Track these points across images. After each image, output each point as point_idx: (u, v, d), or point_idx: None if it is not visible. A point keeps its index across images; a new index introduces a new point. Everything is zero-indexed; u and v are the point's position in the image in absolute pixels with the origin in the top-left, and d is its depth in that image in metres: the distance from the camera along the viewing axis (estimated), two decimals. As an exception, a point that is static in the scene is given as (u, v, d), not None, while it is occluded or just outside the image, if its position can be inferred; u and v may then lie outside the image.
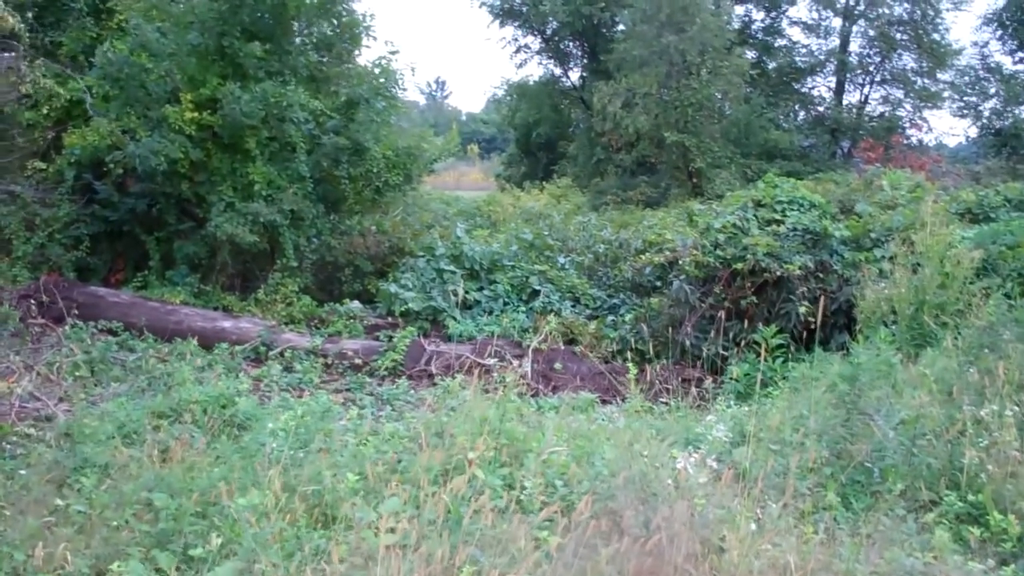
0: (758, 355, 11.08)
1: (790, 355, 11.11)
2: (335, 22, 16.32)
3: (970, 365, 8.47)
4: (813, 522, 5.70)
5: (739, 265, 11.91)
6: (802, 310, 11.58)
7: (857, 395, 7.68)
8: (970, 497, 6.11)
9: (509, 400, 7.74)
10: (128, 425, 8.14)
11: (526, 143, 43.05)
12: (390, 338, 13.34)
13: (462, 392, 8.74)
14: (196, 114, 14.53)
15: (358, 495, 5.73)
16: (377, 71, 16.25)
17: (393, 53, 16.41)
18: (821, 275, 12.09)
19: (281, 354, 12.94)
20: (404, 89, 16.48)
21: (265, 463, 6.58)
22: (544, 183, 34.62)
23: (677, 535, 4.89)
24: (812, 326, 11.65)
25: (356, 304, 14.65)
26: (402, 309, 13.95)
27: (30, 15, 15.29)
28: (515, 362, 12.31)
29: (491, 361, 10.94)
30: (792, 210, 12.77)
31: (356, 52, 16.84)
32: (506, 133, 56.80)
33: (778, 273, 11.75)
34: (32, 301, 13.28)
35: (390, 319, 14.13)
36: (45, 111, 15.36)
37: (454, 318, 13.89)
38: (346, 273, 16.09)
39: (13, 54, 8.96)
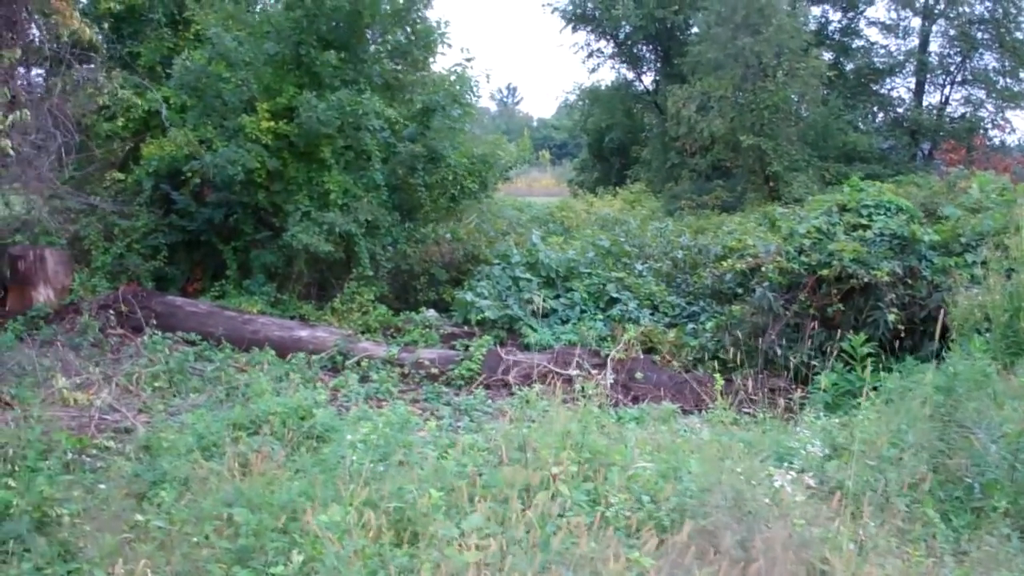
0: (846, 364, 10.80)
1: (880, 364, 10.79)
2: (409, 30, 16.27)
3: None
4: (914, 541, 5.46)
5: (825, 271, 11.58)
6: (891, 318, 11.23)
7: (954, 407, 7.39)
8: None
9: (589, 412, 7.55)
10: (207, 437, 8.10)
11: (599, 148, 42.78)
12: (466, 347, 13.21)
13: (541, 403, 8.59)
14: (272, 123, 14.59)
15: (440, 511, 5.58)
16: (453, 78, 16.18)
17: (468, 60, 16.39)
18: (910, 281, 11.73)
19: (358, 363, 12.88)
20: (479, 96, 16.39)
21: (346, 477, 6.48)
22: (617, 188, 34.42)
23: (777, 558, 4.67)
24: (901, 334, 11.32)
25: (432, 313, 14.56)
26: (478, 318, 13.82)
27: (107, 26, 15.49)
28: (594, 371, 12.11)
29: (573, 371, 10.76)
30: (879, 214, 12.42)
31: (431, 59, 16.80)
32: (577, 138, 56.51)
33: (865, 280, 11.40)
34: (111, 311, 13.38)
35: (466, 328, 14.00)
36: (122, 122, 15.54)
37: (531, 327, 13.73)
38: (421, 281, 16.00)
39: (92, 66, 8.98)
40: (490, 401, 11.71)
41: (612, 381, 11.86)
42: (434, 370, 12.79)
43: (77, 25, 8.39)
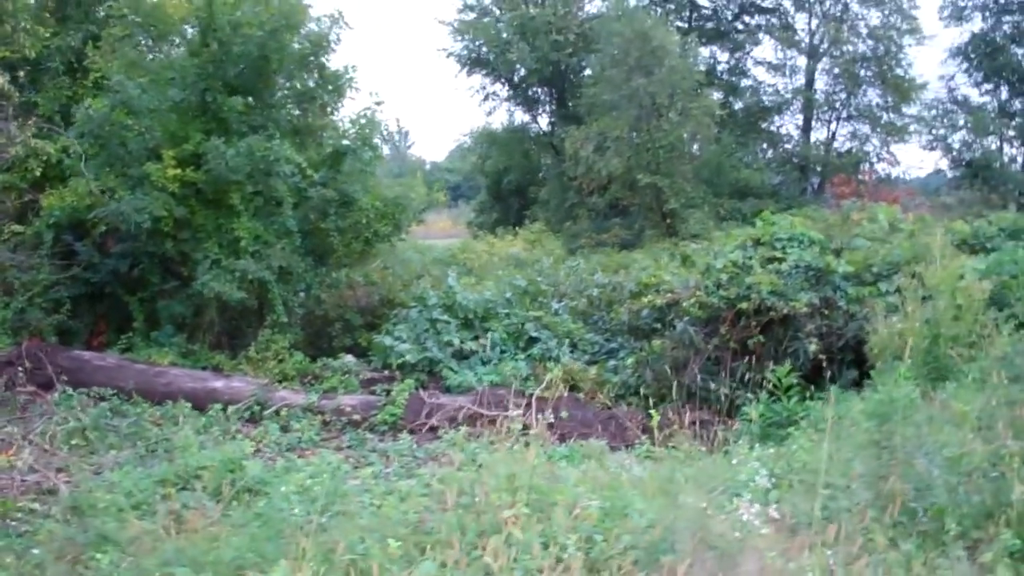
0: (770, 395, 10.91)
1: (805, 394, 10.92)
2: (317, 74, 16.14)
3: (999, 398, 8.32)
4: (871, 567, 5.48)
5: (744, 304, 11.72)
6: (812, 348, 11.39)
7: (890, 433, 7.49)
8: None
9: (538, 451, 7.47)
10: (136, 495, 7.81)
11: (497, 189, 42.98)
12: (387, 392, 13.02)
13: (469, 446, 8.51)
14: (179, 170, 14.25)
15: (395, 561, 5.44)
16: (362, 121, 16.05)
17: (378, 104, 16.27)
18: (827, 312, 11.93)
19: (277, 413, 12.59)
20: (388, 140, 16.28)
21: (288, 531, 6.29)
22: (517, 228, 34.54)
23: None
24: (822, 364, 11.49)
25: (350, 358, 14.34)
26: (398, 362, 13.65)
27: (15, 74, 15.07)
28: (519, 411, 12.02)
29: (515, 412, 10.65)
30: (792, 247, 12.64)
31: (340, 104, 16.65)
32: (472, 181, 56.82)
33: (784, 311, 11.57)
34: (17, 368, 12.87)
35: (386, 372, 13.82)
36: (19, 173, 15.06)
37: (452, 369, 13.61)
38: (336, 327, 15.77)
39: (2, 115, 8.67)
40: (416, 446, 11.55)
41: (551, 420, 11.78)
42: (356, 416, 12.58)
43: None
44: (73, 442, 10.49)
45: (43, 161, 14.12)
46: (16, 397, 12.16)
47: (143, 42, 16.25)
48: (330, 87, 16.21)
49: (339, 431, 12.40)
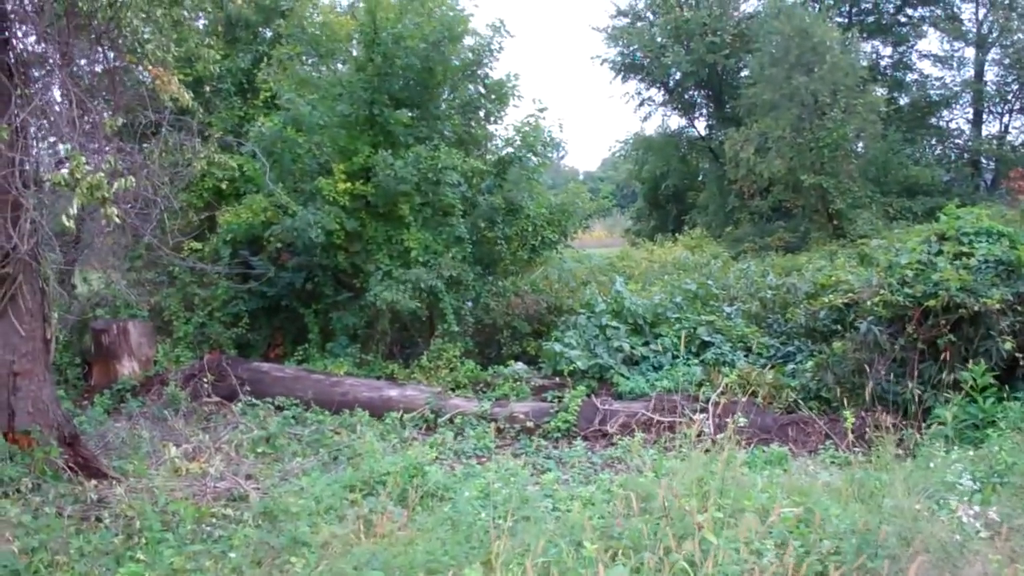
0: (965, 396, 10.42)
1: (1000, 395, 10.42)
2: (480, 85, 16.24)
3: None
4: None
5: (931, 302, 11.18)
6: (1007, 346, 10.82)
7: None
8: None
9: (733, 457, 7.29)
10: (324, 500, 7.92)
11: (654, 196, 42.75)
12: (559, 399, 12.96)
13: (649, 451, 8.35)
14: (349, 184, 14.54)
15: (586, 566, 5.35)
16: (527, 128, 16.06)
17: (541, 110, 16.23)
18: (1020, 308, 11.32)
19: (451, 420, 12.70)
20: (552, 146, 16.24)
21: (477, 535, 6.28)
22: (676, 235, 34.21)
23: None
24: (1020, 363, 10.92)
25: (520, 365, 14.30)
26: (568, 368, 13.55)
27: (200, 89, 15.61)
28: (695, 417, 11.81)
29: (699, 416, 10.44)
30: (980, 241, 12.04)
31: (503, 112, 16.69)
32: (625, 189, 56.55)
33: (975, 308, 11.01)
34: (203, 380, 13.29)
35: (556, 379, 13.74)
36: (197, 192, 15.61)
37: (623, 375, 13.46)
38: (504, 335, 15.80)
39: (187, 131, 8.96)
40: (591, 452, 11.46)
41: (713, 425, 11.52)
42: (529, 423, 12.56)
43: (176, 90, 8.35)
44: (259, 450, 10.73)
45: (222, 177, 14.60)
46: (202, 408, 12.54)
47: (310, 60, 16.62)
48: (493, 96, 16.28)
49: (513, 438, 12.40)
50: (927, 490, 6.82)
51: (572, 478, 10.18)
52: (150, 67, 8.21)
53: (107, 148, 7.86)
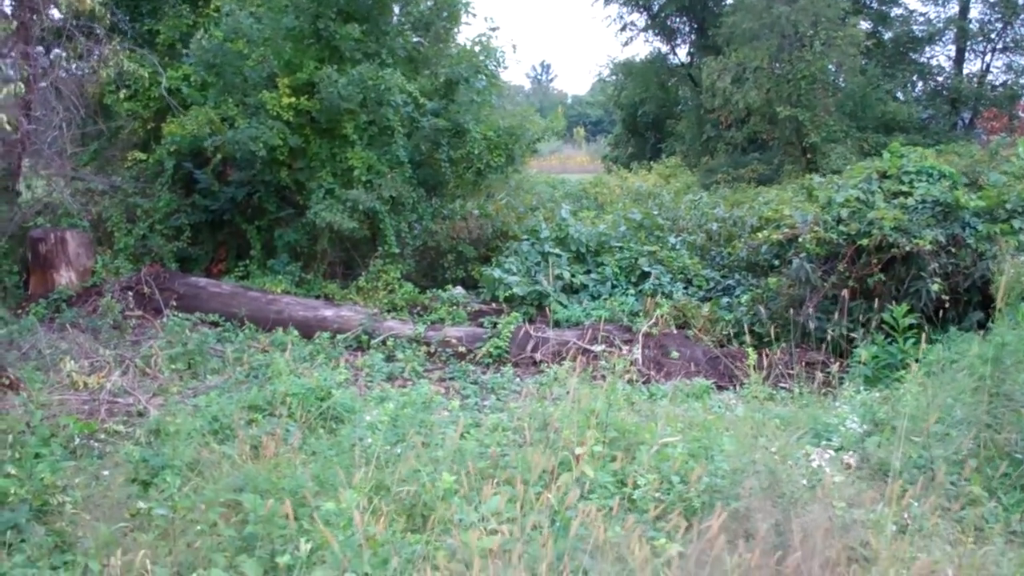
0: (887, 336, 10.37)
1: (923, 336, 10.36)
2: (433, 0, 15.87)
3: None
4: (961, 522, 5.09)
5: (864, 241, 11.09)
6: (935, 287, 10.74)
7: (1001, 379, 6.98)
8: None
9: (615, 389, 7.20)
10: (221, 420, 7.83)
11: (633, 123, 42.31)
12: (494, 325, 12.88)
13: (568, 380, 8.27)
14: (293, 99, 14.26)
15: (456, 495, 5.28)
16: (477, 49, 15.75)
17: (493, 30, 15.92)
18: (953, 250, 11.22)
19: (383, 342, 12.59)
20: (505, 67, 15.95)
21: (358, 460, 6.19)
22: (652, 163, 33.98)
23: (815, 544, 4.30)
24: (945, 305, 10.87)
25: (459, 290, 14.21)
26: (506, 295, 13.46)
27: (125, 5, 15.24)
28: (624, 348, 11.75)
29: (598, 347, 10.41)
30: (920, 181, 11.89)
31: (455, 30, 16.35)
32: (612, 115, 56.10)
33: (907, 249, 10.90)
34: (131, 292, 13.15)
35: (494, 305, 13.66)
36: (142, 101, 15.33)
37: (560, 303, 13.36)
38: (448, 259, 15.64)
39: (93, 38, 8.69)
40: (518, 379, 11.39)
41: (642, 356, 11.47)
42: (461, 348, 12.47)
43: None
44: (175, 366, 10.60)
45: (154, 89, 14.33)
46: (127, 321, 12.41)
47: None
48: (445, 13, 15.91)
49: (444, 363, 12.31)
50: (812, 430, 6.78)
51: (490, 405, 10.11)
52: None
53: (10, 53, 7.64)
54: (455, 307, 13.61)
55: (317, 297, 14.16)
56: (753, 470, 5.40)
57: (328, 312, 13.33)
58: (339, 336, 12.66)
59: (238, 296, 13.59)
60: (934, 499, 4.89)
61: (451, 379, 11.59)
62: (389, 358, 12.11)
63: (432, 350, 12.48)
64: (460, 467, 5.72)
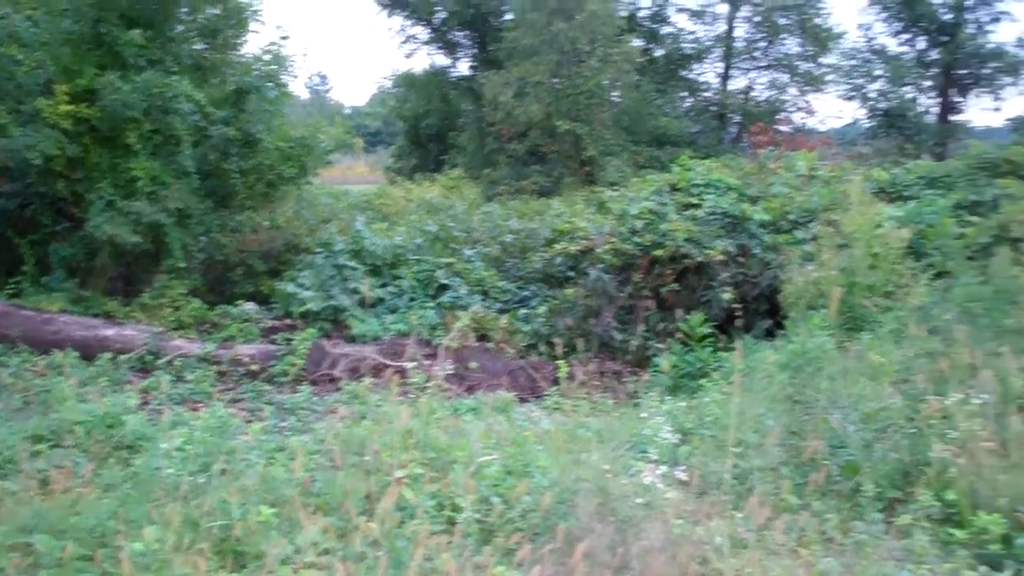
0: (682, 345, 10.66)
1: (718, 344, 10.71)
2: (221, 7, 15.34)
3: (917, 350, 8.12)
4: (790, 532, 5.20)
5: (659, 252, 11.43)
6: (726, 296, 11.15)
7: (802, 386, 7.23)
8: (944, 496, 5.66)
9: (431, 406, 7.06)
10: (3, 452, 7.24)
11: (415, 135, 42.33)
12: (288, 341, 12.54)
13: (373, 398, 8.09)
14: (72, 107, 13.49)
15: (271, 527, 5.02)
16: (267, 57, 15.33)
17: (284, 38, 15.54)
18: (742, 259, 11.69)
19: (170, 363, 12.04)
20: (295, 76, 15.61)
21: (161, 493, 5.82)
22: (435, 175, 34.01)
23: (654, 563, 4.28)
24: (736, 313, 11.26)
25: (250, 306, 13.77)
26: (301, 310, 13.15)
27: None
28: (427, 362, 11.61)
29: (410, 364, 10.24)
30: (708, 193, 12.34)
31: (243, 38, 15.88)
32: (392, 127, 56.03)
33: (699, 259, 11.30)
34: None
35: (287, 321, 13.31)
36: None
37: (357, 317, 13.12)
38: (238, 273, 15.13)
39: None
40: (316, 398, 11.11)
41: (451, 371, 11.40)
42: (254, 367, 12.08)
43: None
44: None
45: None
46: None
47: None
48: (233, 20, 15.43)
49: (236, 382, 11.89)
50: (629, 443, 6.82)
51: (290, 427, 9.80)
52: None
53: None
54: (246, 323, 13.20)
55: (97, 315, 13.39)
56: (582, 488, 5.35)
57: (109, 331, 12.63)
58: (122, 357, 12.00)
59: (10, 316, 12.68)
60: (758, 510, 4.96)
61: (244, 400, 11.19)
62: (178, 379, 11.58)
63: (223, 369, 12.04)
64: (272, 496, 5.49)
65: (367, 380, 10.41)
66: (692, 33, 40.27)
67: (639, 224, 11.92)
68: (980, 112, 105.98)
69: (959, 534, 5.30)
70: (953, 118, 38.46)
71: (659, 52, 39.41)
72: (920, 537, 5.13)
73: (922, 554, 5.06)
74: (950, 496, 5.61)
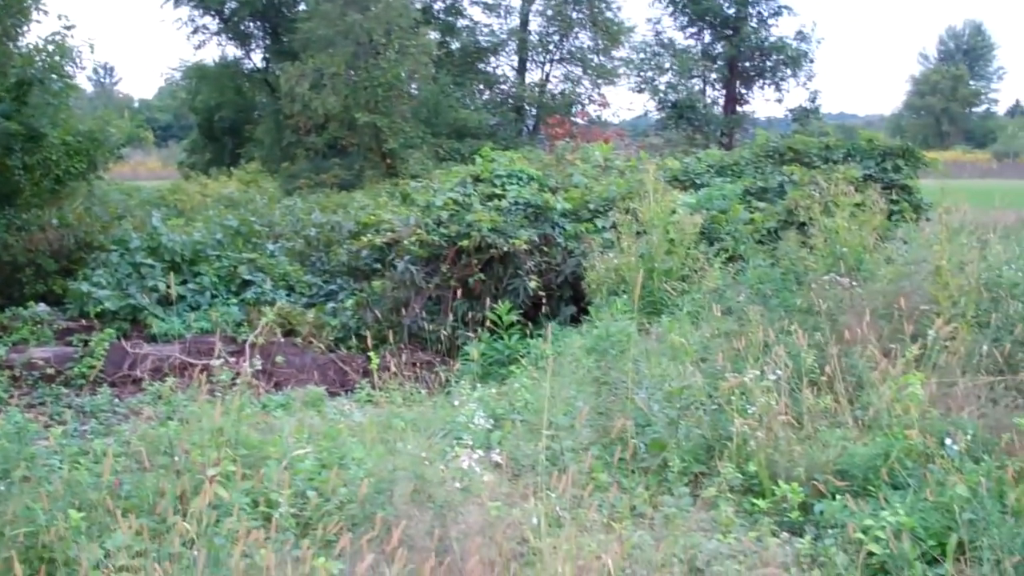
0: (491, 333, 10.79)
1: (525, 331, 10.88)
2: (-2, -4, 14.61)
3: (714, 330, 8.46)
4: (598, 509, 5.33)
5: (464, 242, 11.52)
6: (532, 285, 11.36)
7: (607, 368, 7.45)
8: (746, 468, 5.94)
9: (243, 403, 6.93)
10: None
11: (209, 128, 41.24)
12: (85, 342, 12.07)
13: (178, 398, 7.88)
14: None
15: (80, 533, 4.85)
16: (51, 48, 14.65)
17: (68, 28, 14.85)
18: (546, 248, 11.92)
19: (-43, 370, 11.41)
20: (83, 67, 14.97)
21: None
22: (231, 169, 33.26)
23: (473, 546, 4.34)
24: (541, 300, 11.48)
25: (43, 307, 13.17)
26: (97, 310, 12.68)
27: None
28: (232, 359, 11.38)
29: (216, 362, 10.02)
30: (511, 184, 12.53)
31: (25, 28, 15.12)
32: (184, 120, 54.48)
33: (504, 248, 11.45)
34: None
35: (84, 322, 12.82)
36: None
37: (157, 316, 12.75)
38: (27, 273, 14.44)
39: None
40: (118, 400, 10.72)
41: (259, 367, 11.19)
42: (50, 370, 11.57)
43: None
44: None
45: None
46: None
47: None
48: (13, 9, 14.67)
49: (31, 387, 11.36)
50: (444, 430, 6.87)
51: (91, 430, 9.43)
52: None
53: None
54: (39, 325, 12.64)
55: None
56: (399, 477, 5.36)
57: None
58: (-98, 366, 11.32)
59: None
60: (571, 490, 5.08)
61: (41, 404, 10.73)
62: (-34, 386, 10.99)
63: (17, 374, 11.49)
64: (79, 500, 5.30)
65: (171, 380, 10.11)
66: (488, 26, 40.71)
67: (444, 215, 12.01)
68: (764, 103, 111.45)
69: (761, 503, 5.55)
70: (739, 109, 40.21)
71: (455, 45, 39.61)
72: (725, 508, 5.37)
73: (728, 524, 5.28)
74: (751, 468, 5.86)
